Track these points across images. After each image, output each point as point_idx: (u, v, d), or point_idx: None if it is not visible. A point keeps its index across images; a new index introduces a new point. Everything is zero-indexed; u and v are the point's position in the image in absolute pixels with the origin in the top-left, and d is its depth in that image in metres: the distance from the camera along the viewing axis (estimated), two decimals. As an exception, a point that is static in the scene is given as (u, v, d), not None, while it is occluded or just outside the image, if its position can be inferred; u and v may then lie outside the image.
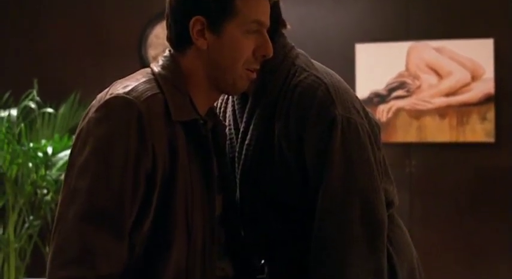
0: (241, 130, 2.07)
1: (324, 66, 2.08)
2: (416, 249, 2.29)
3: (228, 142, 2.10)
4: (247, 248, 2.08)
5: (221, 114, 2.17)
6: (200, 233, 1.85)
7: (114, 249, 1.74)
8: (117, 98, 1.79)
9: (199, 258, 1.85)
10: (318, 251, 1.95)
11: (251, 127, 2.04)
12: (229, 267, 2.01)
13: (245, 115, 2.06)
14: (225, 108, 2.18)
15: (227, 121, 2.14)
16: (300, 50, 2.10)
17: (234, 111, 2.11)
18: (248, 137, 2.04)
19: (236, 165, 2.07)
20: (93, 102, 1.87)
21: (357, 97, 2.08)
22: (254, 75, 1.94)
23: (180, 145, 1.83)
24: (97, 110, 1.80)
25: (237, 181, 2.07)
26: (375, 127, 2.08)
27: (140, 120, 1.77)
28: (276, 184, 2.01)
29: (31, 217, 4.70)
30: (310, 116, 1.95)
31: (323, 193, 1.94)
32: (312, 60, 2.08)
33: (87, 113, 1.84)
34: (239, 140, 2.07)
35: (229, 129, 2.12)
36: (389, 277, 2.09)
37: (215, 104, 2.15)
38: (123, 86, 1.83)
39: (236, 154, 2.07)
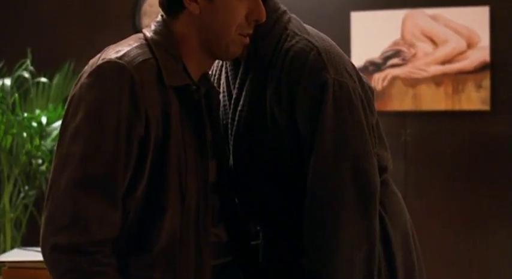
0: (234, 96, 2.06)
1: (317, 31, 2.06)
2: (411, 217, 2.30)
3: (221, 108, 2.09)
4: (241, 214, 2.08)
5: (215, 81, 2.15)
6: (194, 198, 1.85)
7: (107, 215, 1.74)
8: (109, 63, 1.78)
9: (193, 224, 1.85)
10: (311, 215, 1.95)
11: (243, 93, 2.03)
12: (223, 233, 2.01)
13: (238, 81, 2.05)
14: (219, 75, 2.16)
15: (221, 88, 2.13)
16: (292, 15, 2.08)
17: (227, 77, 2.10)
18: (241, 103, 2.03)
19: (229, 131, 2.07)
20: (86, 67, 1.86)
21: (350, 61, 2.07)
22: (247, 40, 1.93)
23: (173, 111, 1.83)
24: (89, 75, 1.79)
25: (231, 147, 2.06)
26: (368, 92, 2.07)
27: (132, 85, 1.76)
28: (269, 149, 2.01)
29: (26, 187, 4.71)
30: (301, 80, 1.94)
31: (315, 157, 1.94)
32: (305, 25, 2.07)
33: (80, 79, 1.83)
34: (232, 106, 2.06)
35: (223, 96, 2.11)
36: (383, 243, 2.09)
37: (210, 72, 2.13)
38: (115, 51, 1.82)
39: (229, 121, 2.06)
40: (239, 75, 2.04)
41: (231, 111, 2.07)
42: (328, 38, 2.06)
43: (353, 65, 2.07)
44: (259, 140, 2.01)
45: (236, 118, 2.04)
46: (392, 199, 2.18)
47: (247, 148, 2.04)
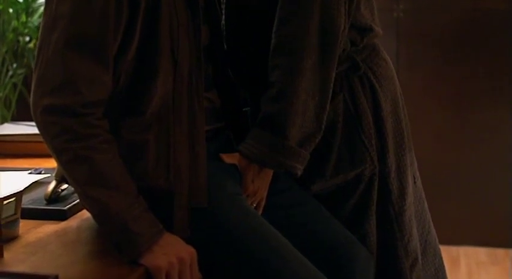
0: None
1: None
2: (403, 95, 2.28)
3: None
4: (232, 81, 2.06)
5: None
6: (186, 61, 1.82)
7: (98, 75, 1.71)
8: None
9: (186, 88, 1.83)
10: (275, 57, 1.95)
11: None
12: (216, 98, 1.99)
13: None
14: None
15: None
16: None
17: None
18: None
19: None
20: None
21: None
22: None
23: None
24: None
25: (223, 7, 2.03)
26: None
27: None
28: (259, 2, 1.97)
29: (14, 65, 4.65)
30: None
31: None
32: None
33: None
34: None
35: None
36: (373, 110, 2.09)
37: None
38: None
39: None
40: None
41: None
42: None
43: None
44: None
45: None
46: (383, 66, 2.16)
47: (239, 3, 2.00)
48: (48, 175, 2.30)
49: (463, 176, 4.85)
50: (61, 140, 1.71)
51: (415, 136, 2.30)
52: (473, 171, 4.82)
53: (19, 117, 4.69)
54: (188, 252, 1.75)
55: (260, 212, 2.00)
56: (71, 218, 2.02)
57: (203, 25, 1.90)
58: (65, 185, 2.08)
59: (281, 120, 1.92)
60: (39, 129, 1.75)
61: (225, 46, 2.08)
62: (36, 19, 4.51)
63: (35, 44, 4.52)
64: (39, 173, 2.36)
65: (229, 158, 1.96)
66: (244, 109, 2.11)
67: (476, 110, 4.89)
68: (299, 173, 1.97)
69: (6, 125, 3.12)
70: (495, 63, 4.88)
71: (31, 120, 1.79)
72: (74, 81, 1.69)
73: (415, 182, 2.21)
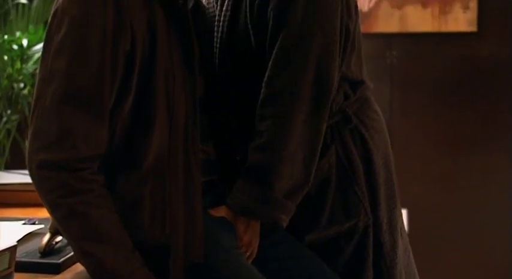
0: None
1: None
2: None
3: (207, 12, 2.06)
4: (228, 130, 2.06)
5: None
6: (182, 115, 1.82)
7: (94, 130, 1.71)
8: None
9: (182, 140, 1.83)
10: (265, 106, 1.94)
11: None
12: (212, 150, 1.99)
13: None
14: None
15: None
16: None
17: None
18: (226, 2, 2.00)
19: (215, 34, 2.03)
20: None
21: None
22: None
23: (159, 25, 1.79)
24: (72, -12, 1.74)
25: (216, 50, 2.03)
26: None
27: None
28: (252, 45, 1.98)
29: (9, 112, 4.65)
30: None
31: (278, 48, 1.92)
32: None
33: (63, -9, 1.78)
34: (218, 7, 2.03)
35: None
36: (365, 163, 2.09)
37: None
38: None
39: (216, 23, 2.03)
40: None
41: (217, 12, 2.04)
42: None
43: None
44: (242, 39, 1.98)
45: (222, 19, 2.02)
46: (375, 119, 2.17)
47: (232, 48, 2.01)
48: (42, 225, 2.28)
49: (459, 221, 4.83)
50: (56, 195, 1.70)
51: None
52: (469, 216, 4.81)
53: (12, 163, 4.68)
54: None
55: (250, 261, 1.99)
56: (65, 271, 2.00)
57: (199, 76, 1.90)
58: (59, 238, 2.07)
59: (268, 170, 1.91)
60: (34, 183, 1.74)
61: (220, 96, 2.08)
62: (30, 66, 4.52)
63: (29, 91, 4.52)
64: (33, 223, 2.35)
65: (217, 212, 1.96)
66: (237, 158, 2.11)
67: (472, 155, 4.89)
68: (284, 224, 1.96)
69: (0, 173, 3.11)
70: (490, 108, 4.90)
71: (24, 168, 1.79)
72: (69, 136, 1.69)
73: (401, 235, 2.21)
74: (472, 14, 4.91)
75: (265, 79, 1.94)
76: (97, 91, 1.71)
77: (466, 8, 4.91)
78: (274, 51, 1.94)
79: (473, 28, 4.91)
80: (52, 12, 1.78)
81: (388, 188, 2.15)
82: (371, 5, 5.06)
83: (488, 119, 4.90)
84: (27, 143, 1.75)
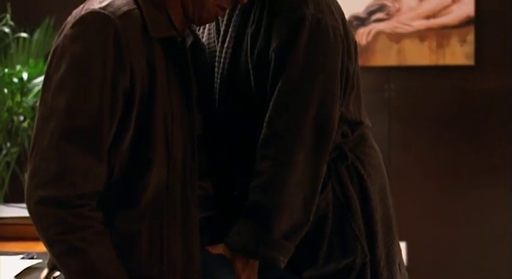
0: (221, 33, 2.04)
1: None
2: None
3: (206, 45, 2.07)
4: (225, 166, 2.07)
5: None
6: (180, 152, 1.83)
7: (93, 168, 1.72)
8: (92, 13, 1.75)
9: (180, 178, 1.83)
10: (266, 147, 1.94)
11: (230, 29, 2.01)
12: (210, 186, 2.00)
13: (225, 18, 2.03)
14: None
15: (207, 25, 2.11)
16: None
17: None
18: (227, 40, 2.02)
19: (216, 70, 2.04)
20: (69, 18, 1.82)
21: (338, 3, 2.04)
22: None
23: (158, 63, 1.80)
24: (72, 26, 1.76)
25: (216, 87, 2.04)
26: (350, 39, 2.04)
27: (117, 36, 1.73)
28: (252, 86, 1.99)
29: (8, 145, 4.66)
30: (280, 13, 1.93)
31: (280, 90, 1.92)
32: None
33: (63, 29, 1.81)
34: (219, 44, 2.04)
35: (209, 33, 2.09)
36: (361, 199, 2.09)
37: None
38: (98, 1, 1.79)
39: (216, 59, 2.04)
40: (227, 11, 2.01)
41: (218, 48, 2.05)
42: None
43: (340, 8, 2.04)
44: (243, 80, 1.99)
45: (223, 56, 2.02)
46: (372, 155, 2.17)
47: (232, 87, 2.02)
48: (41, 260, 2.29)
49: (458, 255, 4.83)
50: (54, 231, 1.71)
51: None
52: (469, 250, 4.80)
53: (11, 195, 4.68)
54: None
55: None
56: (63, 307, 2.00)
57: (197, 114, 1.91)
58: (57, 273, 2.07)
59: (268, 211, 1.92)
60: (32, 219, 1.75)
61: (219, 133, 2.09)
62: (31, 99, 4.54)
63: (29, 124, 4.54)
64: (32, 258, 2.35)
65: (215, 249, 1.96)
66: (235, 193, 2.11)
67: (471, 189, 4.90)
68: (282, 265, 1.96)
69: (-2, 207, 3.11)
70: (488, 141, 4.91)
71: (23, 201, 1.80)
72: (68, 173, 1.70)
73: (399, 270, 2.20)
74: (470, 47, 4.94)
75: (266, 119, 1.95)
76: (96, 129, 1.72)
77: (463, 41, 4.94)
78: (275, 92, 1.94)
79: (470, 61, 4.93)
80: (52, 49, 1.80)
81: (385, 224, 2.15)
82: (369, 38, 5.09)
83: (487, 152, 4.91)
84: (26, 176, 1.76)
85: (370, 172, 2.12)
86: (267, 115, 1.94)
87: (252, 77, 1.98)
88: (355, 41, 2.10)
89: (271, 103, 1.94)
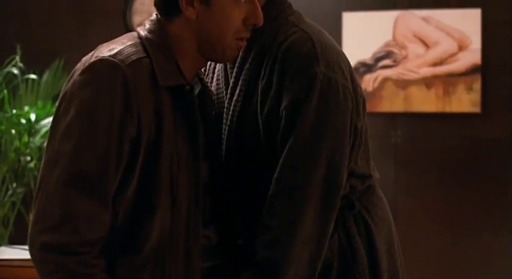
0: (230, 85, 2.04)
1: (317, 25, 2.04)
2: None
3: (215, 97, 2.07)
4: (230, 214, 2.06)
5: (210, 67, 2.14)
6: (185, 200, 1.83)
7: (97, 214, 1.72)
8: (102, 61, 1.76)
9: (184, 226, 1.83)
10: (274, 203, 1.93)
11: (240, 82, 2.01)
12: (214, 235, 1.99)
13: (235, 70, 2.03)
14: (215, 63, 2.14)
15: (216, 76, 2.11)
16: (297, 10, 2.07)
17: (225, 64, 2.08)
18: (237, 92, 2.01)
19: (224, 121, 2.05)
20: (78, 64, 1.84)
21: (347, 59, 2.04)
22: (244, 43, 1.92)
23: (165, 111, 1.81)
24: (82, 73, 1.77)
25: (224, 137, 2.04)
26: (358, 94, 2.05)
27: (125, 84, 1.74)
28: (260, 141, 1.99)
29: (14, 185, 4.67)
30: (291, 71, 1.92)
31: (290, 148, 1.92)
32: (307, 19, 2.05)
33: (72, 76, 1.82)
34: (228, 95, 2.04)
35: (218, 84, 2.09)
36: (368, 249, 2.08)
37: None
38: (108, 49, 1.80)
39: (224, 110, 2.05)
40: (237, 64, 2.02)
41: (226, 100, 2.05)
42: (327, 33, 2.04)
43: (349, 64, 2.04)
44: (251, 132, 1.99)
45: (231, 108, 2.02)
46: (379, 206, 2.16)
47: (240, 140, 2.02)
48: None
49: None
50: (56, 278, 1.70)
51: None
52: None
53: (17, 236, 4.68)
54: None
55: None
56: None
57: (203, 162, 1.92)
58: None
59: (274, 267, 1.90)
60: (35, 265, 1.75)
61: (225, 181, 2.09)
62: (38, 140, 4.56)
63: (35, 164, 4.56)
64: (34, 302, 2.34)
65: None
66: (239, 242, 2.11)
67: (476, 235, 4.88)
68: None
69: (2, 249, 3.11)
70: (494, 188, 4.91)
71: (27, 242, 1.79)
72: (72, 220, 1.70)
73: None
74: (476, 95, 4.96)
75: (275, 176, 1.94)
76: (101, 176, 1.72)
77: (469, 89, 4.97)
78: (285, 150, 1.93)
79: (477, 109, 4.95)
80: (61, 95, 1.81)
81: (392, 276, 2.13)
82: (376, 84, 5.12)
83: (493, 200, 4.91)
84: (31, 216, 1.76)
85: (377, 222, 2.11)
86: (276, 171, 1.93)
87: (261, 131, 1.98)
88: (364, 97, 2.10)
89: (280, 161, 1.93)
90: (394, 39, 5.12)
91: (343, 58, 2.01)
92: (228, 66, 2.06)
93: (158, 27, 1.87)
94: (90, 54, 1.83)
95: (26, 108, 4.67)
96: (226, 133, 2.03)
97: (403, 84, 5.08)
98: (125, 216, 1.78)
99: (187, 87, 1.88)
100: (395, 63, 5.11)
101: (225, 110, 2.04)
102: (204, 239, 1.92)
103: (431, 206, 4.98)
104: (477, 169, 4.95)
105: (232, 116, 2.01)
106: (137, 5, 5.45)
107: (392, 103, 5.09)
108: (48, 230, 1.71)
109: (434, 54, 5.05)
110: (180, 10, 1.84)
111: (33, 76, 4.90)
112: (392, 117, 5.08)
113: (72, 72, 1.84)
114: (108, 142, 1.73)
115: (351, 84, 1.99)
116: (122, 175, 1.76)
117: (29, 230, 1.75)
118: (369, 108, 5.00)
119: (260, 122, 1.97)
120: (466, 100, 4.97)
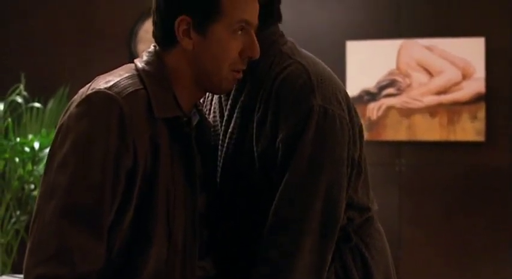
0: (225, 117, 2.04)
1: (312, 55, 2.04)
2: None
3: (212, 129, 2.07)
4: (227, 244, 2.06)
5: (208, 98, 2.13)
6: (181, 232, 1.83)
7: (92, 247, 1.72)
8: (98, 93, 1.77)
9: (180, 257, 1.83)
10: (272, 235, 1.92)
11: (235, 114, 2.01)
12: (211, 266, 1.98)
13: (229, 102, 2.03)
14: (212, 94, 2.14)
15: (212, 107, 2.11)
16: (290, 38, 2.06)
17: (220, 97, 2.08)
18: (231, 125, 2.01)
19: (219, 153, 2.04)
20: (75, 96, 1.84)
21: (344, 89, 2.03)
22: (240, 75, 1.91)
23: (162, 143, 1.81)
24: (78, 105, 1.78)
25: (219, 169, 2.04)
26: (355, 124, 2.04)
27: (121, 117, 1.74)
28: (256, 174, 1.98)
29: (18, 212, 4.68)
30: (287, 104, 1.91)
31: (287, 181, 1.91)
32: (301, 49, 2.04)
33: (69, 107, 1.82)
34: (223, 128, 2.04)
35: (214, 116, 2.09)
36: None
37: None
38: (105, 81, 1.80)
39: (220, 142, 2.04)
40: (231, 96, 2.02)
41: (222, 132, 2.04)
42: (323, 63, 2.03)
43: (346, 94, 2.03)
44: (247, 164, 1.98)
45: (226, 140, 2.01)
46: (377, 238, 2.15)
47: (236, 171, 2.01)
48: None
49: None
50: None
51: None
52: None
53: (20, 264, 4.67)
54: None
55: None
56: None
57: (200, 193, 1.91)
58: None
59: None
60: (30, 297, 1.74)
61: (222, 211, 2.08)
62: (41, 168, 4.56)
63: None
64: None
65: None
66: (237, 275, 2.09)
67: (481, 265, 4.86)
68: None
69: (4, 278, 3.11)
70: (498, 217, 4.89)
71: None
72: (67, 252, 1.70)
73: None
74: (480, 124, 4.95)
75: (273, 208, 1.93)
76: (97, 208, 1.72)
77: (474, 118, 4.97)
78: (282, 183, 1.92)
79: (481, 138, 4.95)
80: (57, 127, 1.81)
81: None
82: (380, 113, 5.12)
83: (497, 228, 4.89)
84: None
85: (374, 255, 2.09)
86: (274, 203, 1.92)
87: (256, 163, 1.97)
88: (361, 125, 2.09)
89: (278, 194, 1.92)
90: (398, 67, 5.13)
91: (340, 89, 2.00)
92: (222, 98, 2.06)
93: (155, 59, 1.87)
94: (87, 85, 1.84)
95: (30, 136, 4.68)
96: (221, 164, 2.03)
97: (407, 112, 5.08)
98: (120, 248, 1.78)
99: (185, 119, 1.88)
100: (399, 92, 5.11)
101: (220, 142, 2.04)
102: (201, 271, 1.91)
103: (435, 234, 4.96)
104: (482, 197, 4.94)
105: (227, 148, 2.01)
106: (142, 34, 5.48)
107: (396, 132, 5.09)
108: (43, 262, 1.70)
109: (438, 82, 5.05)
110: (177, 41, 1.84)
111: (37, 104, 4.93)
112: (397, 146, 5.08)
113: (69, 103, 1.85)
114: (103, 174, 1.72)
115: (347, 114, 1.99)
116: (118, 207, 1.76)
117: (25, 262, 1.75)
118: (373, 136, 5.00)
119: (256, 155, 1.96)
120: (470, 129, 4.97)
